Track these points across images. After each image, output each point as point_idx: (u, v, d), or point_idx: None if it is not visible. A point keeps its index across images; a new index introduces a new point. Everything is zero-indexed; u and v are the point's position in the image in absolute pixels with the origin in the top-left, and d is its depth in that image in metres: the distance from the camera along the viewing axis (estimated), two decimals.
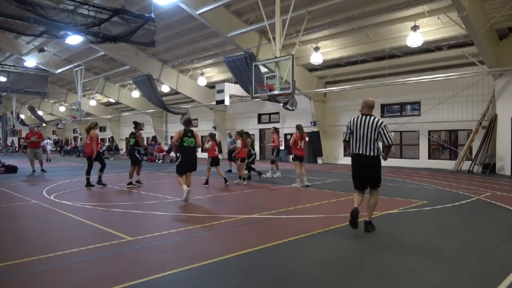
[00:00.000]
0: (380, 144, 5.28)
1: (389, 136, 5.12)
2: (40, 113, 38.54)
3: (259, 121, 25.65)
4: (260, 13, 13.15)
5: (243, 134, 11.73)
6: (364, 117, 5.23)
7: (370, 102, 5.30)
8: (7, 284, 3.49)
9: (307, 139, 13.83)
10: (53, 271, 3.81)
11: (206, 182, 10.60)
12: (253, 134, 26.03)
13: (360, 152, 5.20)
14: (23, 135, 34.25)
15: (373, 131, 5.11)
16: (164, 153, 23.90)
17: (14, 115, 33.72)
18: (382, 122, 5.15)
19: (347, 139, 5.44)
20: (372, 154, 5.15)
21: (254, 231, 5.50)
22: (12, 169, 15.02)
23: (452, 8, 12.02)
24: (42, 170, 14.65)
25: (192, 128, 8.25)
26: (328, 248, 4.67)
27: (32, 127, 16.01)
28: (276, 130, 13.71)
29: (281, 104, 18.15)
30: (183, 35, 18.53)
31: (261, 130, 25.49)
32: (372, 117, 5.18)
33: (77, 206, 7.42)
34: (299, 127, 10.70)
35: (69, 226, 5.83)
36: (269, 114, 24.94)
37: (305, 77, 19.80)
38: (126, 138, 30.10)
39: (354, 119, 5.31)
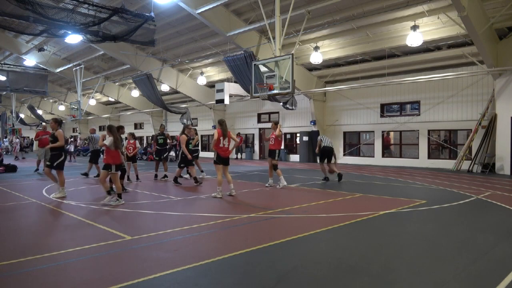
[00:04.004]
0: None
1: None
2: (39, 112, 38.50)
3: (259, 121, 25.65)
4: (260, 13, 13.13)
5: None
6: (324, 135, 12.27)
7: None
8: (5, 283, 3.48)
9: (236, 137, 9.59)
10: (52, 270, 3.81)
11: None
12: (252, 134, 26.14)
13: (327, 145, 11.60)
14: (23, 134, 34.11)
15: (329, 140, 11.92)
16: None
17: (13, 114, 33.67)
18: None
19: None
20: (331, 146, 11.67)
21: (253, 231, 5.50)
22: (12, 169, 15.02)
23: (451, 8, 12.03)
24: (44, 170, 14.56)
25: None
26: (328, 248, 4.67)
27: (44, 126, 15.97)
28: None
29: (281, 104, 18.16)
30: (183, 34, 18.51)
31: (260, 129, 25.49)
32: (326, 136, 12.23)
33: (76, 205, 7.41)
34: (221, 122, 8.82)
35: (68, 225, 5.82)
36: (269, 113, 24.93)
37: (304, 76, 19.80)
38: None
39: (322, 136, 12.00)
